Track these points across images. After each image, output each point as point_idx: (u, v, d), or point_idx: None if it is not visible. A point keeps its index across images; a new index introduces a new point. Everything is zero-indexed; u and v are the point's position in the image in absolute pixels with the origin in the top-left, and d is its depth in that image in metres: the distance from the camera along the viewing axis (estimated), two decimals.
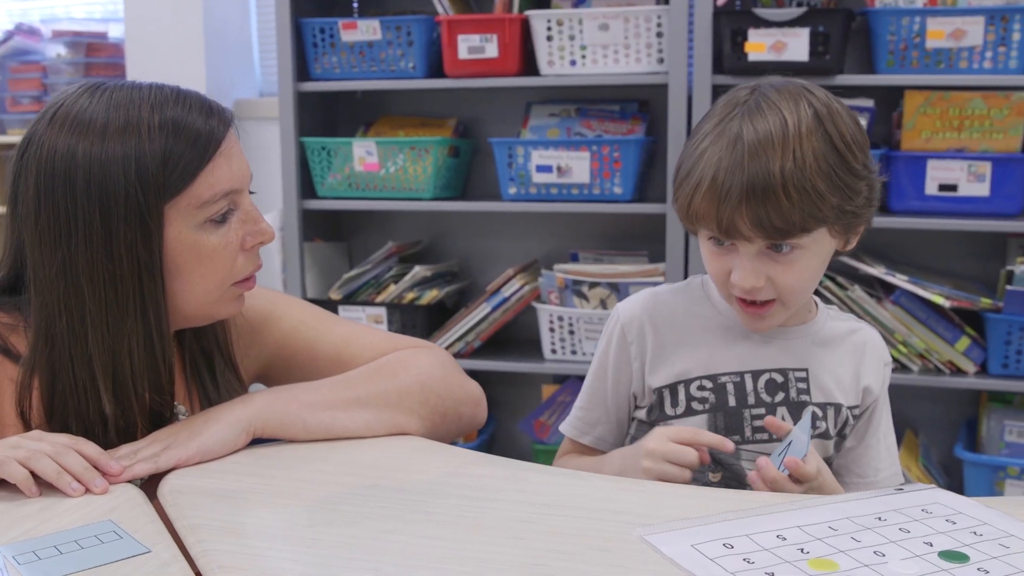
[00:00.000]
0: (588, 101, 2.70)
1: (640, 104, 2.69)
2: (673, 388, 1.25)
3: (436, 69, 2.63)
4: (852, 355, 1.27)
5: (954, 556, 0.84)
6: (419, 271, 2.70)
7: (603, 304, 2.55)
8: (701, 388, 1.24)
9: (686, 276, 2.45)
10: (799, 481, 1.09)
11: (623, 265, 2.58)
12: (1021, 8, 2.20)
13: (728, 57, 2.34)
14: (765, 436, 1.23)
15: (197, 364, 1.20)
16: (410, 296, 2.70)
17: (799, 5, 2.41)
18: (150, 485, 1.03)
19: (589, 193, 2.53)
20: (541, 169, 2.53)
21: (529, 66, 2.58)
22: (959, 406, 2.58)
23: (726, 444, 1.14)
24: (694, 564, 0.82)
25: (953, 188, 2.31)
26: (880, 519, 0.92)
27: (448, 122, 2.79)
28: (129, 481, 1.02)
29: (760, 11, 2.29)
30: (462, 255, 2.93)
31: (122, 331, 1.06)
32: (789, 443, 1.09)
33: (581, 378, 2.66)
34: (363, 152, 2.62)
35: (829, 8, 2.36)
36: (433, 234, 2.93)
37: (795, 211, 1.10)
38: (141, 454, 1.04)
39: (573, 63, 2.50)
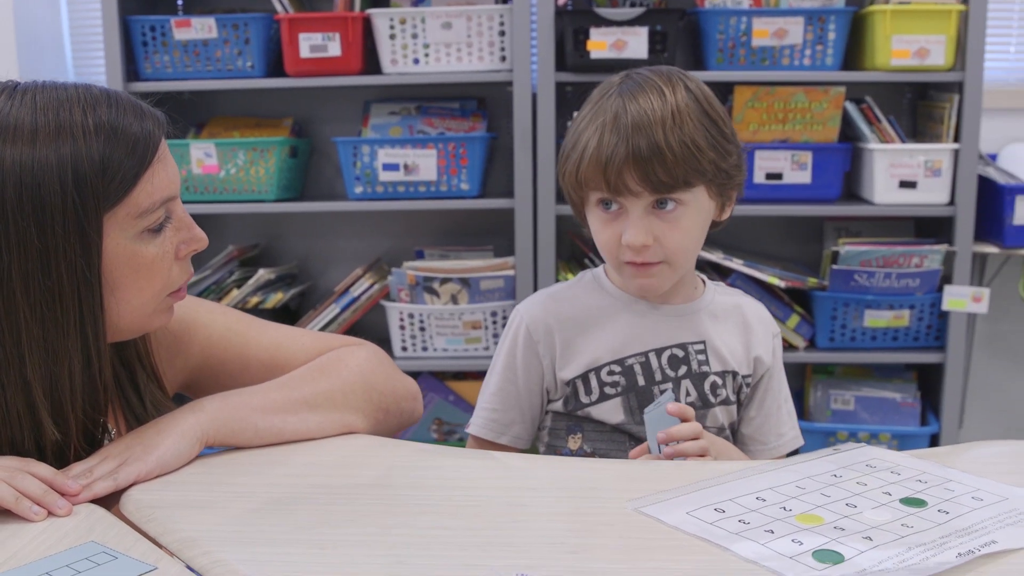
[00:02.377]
0: (427, 99, 2.72)
1: (479, 101, 2.74)
2: (585, 377, 1.31)
3: (275, 68, 2.58)
4: (742, 328, 1.36)
5: (914, 502, 0.94)
6: (263, 274, 2.64)
7: (454, 300, 2.58)
8: (611, 373, 1.30)
9: (536, 267, 2.53)
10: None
11: (472, 260, 2.62)
12: (836, 10, 2.40)
13: (571, 55, 2.42)
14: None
15: (119, 378, 1.14)
16: (255, 300, 2.63)
17: (633, 5, 2.53)
18: (98, 503, 0.98)
19: (436, 190, 2.56)
20: (388, 167, 2.53)
21: (370, 65, 2.57)
22: (787, 379, 2.77)
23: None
24: (699, 529, 0.87)
25: (779, 176, 2.49)
26: (836, 476, 1.00)
27: (284, 122, 2.74)
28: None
29: (601, 11, 2.39)
30: (300, 257, 2.89)
31: (62, 351, 0.99)
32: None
33: (433, 375, 2.72)
34: (201, 154, 2.54)
35: (664, 8, 2.49)
36: (269, 236, 2.88)
37: (678, 165, 1.19)
38: (97, 471, 0.99)
39: (416, 61, 2.52)
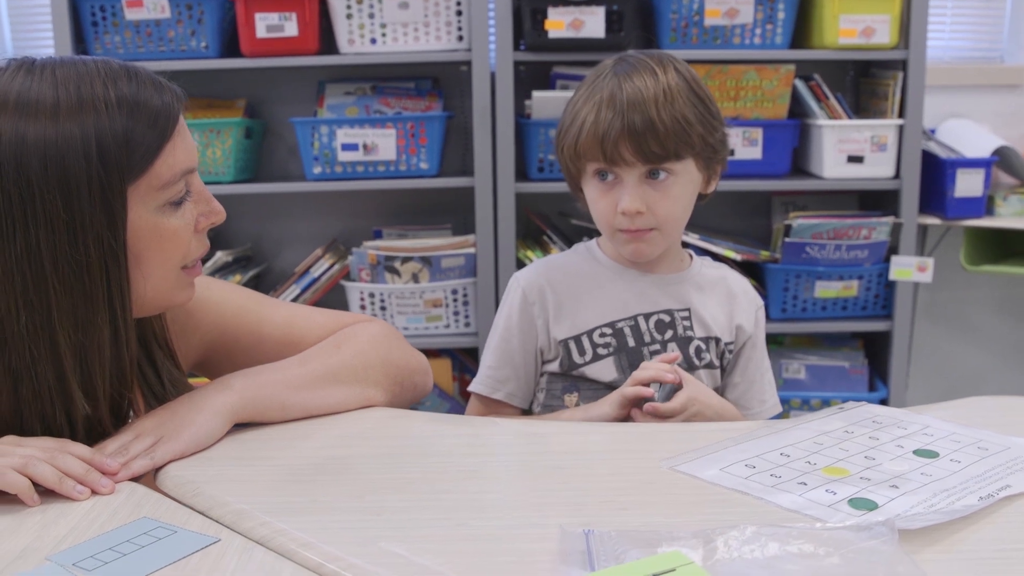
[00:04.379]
0: (382, 79, 2.72)
1: (434, 81, 2.75)
2: (578, 339, 1.38)
3: (229, 48, 2.55)
4: (726, 298, 1.44)
5: (927, 453, 1.00)
6: (221, 256, 2.62)
7: (415, 278, 2.60)
8: (602, 335, 1.38)
9: (496, 245, 2.56)
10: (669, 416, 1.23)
11: (432, 239, 2.64)
12: None
13: (529, 34, 2.45)
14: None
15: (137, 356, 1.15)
16: None
17: None
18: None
19: (396, 170, 2.56)
20: (347, 148, 2.53)
21: (326, 45, 2.56)
22: None
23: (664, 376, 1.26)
24: (735, 483, 0.92)
25: (731, 153, 2.55)
26: (848, 432, 1.06)
27: (237, 103, 2.71)
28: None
29: None
30: (253, 239, 2.87)
31: (92, 324, 0.99)
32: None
33: None
34: None
35: None
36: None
37: (669, 137, 1.27)
38: (133, 449, 0.99)
39: (373, 41, 2.52)
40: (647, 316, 1.38)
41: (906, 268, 2.50)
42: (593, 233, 1.46)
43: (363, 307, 2.62)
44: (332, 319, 1.26)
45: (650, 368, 1.25)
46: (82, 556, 0.81)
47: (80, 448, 0.97)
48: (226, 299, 1.23)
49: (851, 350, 2.72)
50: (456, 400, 2.72)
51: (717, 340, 1.41)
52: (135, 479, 0.99)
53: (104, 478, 0.94)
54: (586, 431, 1.12)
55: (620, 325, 1.37)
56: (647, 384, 1.23)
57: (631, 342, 1.37)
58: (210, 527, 0.86)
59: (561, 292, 1.40)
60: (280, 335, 1.23)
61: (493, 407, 1.43)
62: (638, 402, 1.25)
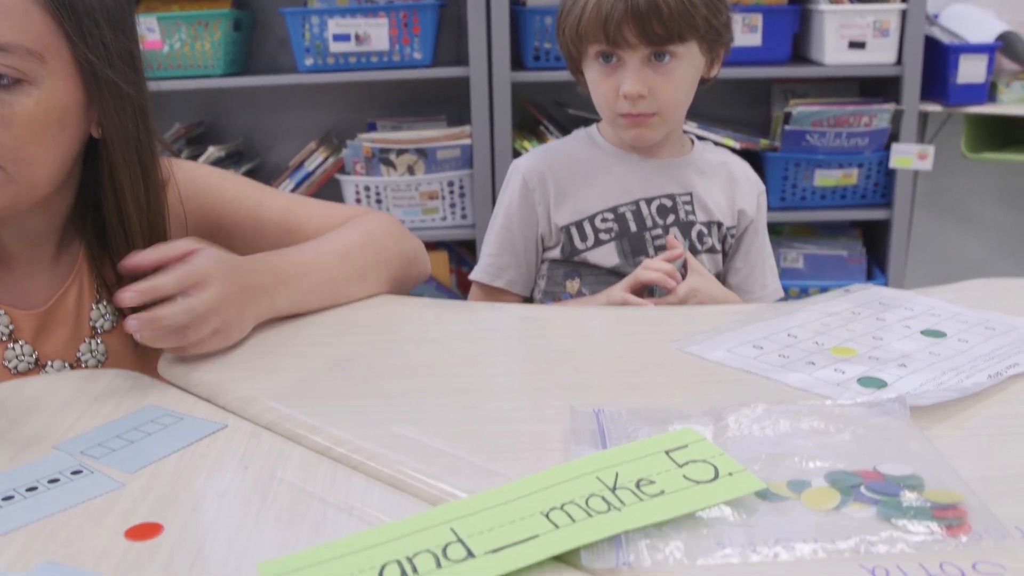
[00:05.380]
0: None
1: None
2: (579, 224, 1.37)
3: None
4: (727, 182, 1.43)
5: (934, 333, 0.99)
6: (213, 151, 2.59)
7: (410, 170, 2.57)
8: (604, 220, 1.37)
9: (492, 136, 2.52)
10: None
11: (427, 131, 2.60)
12: None
13: None
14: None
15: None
16: None
17: None
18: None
19: (389, 60, 2.51)
20: (338, 38, 2.47)
21: None
22: None
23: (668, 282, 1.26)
24: (743, 363, 0.91)
25: None
26: (855, 313, 1.05)
27: None
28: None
29: None
30: (245, 133, 2.82)
31: None
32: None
33: None
34: (143, 29, 2.42)
35: None
36: (213, 113, 2.80)
37: (673, 19, 1.26)
38: (192, 336, 0.94)
39: None
40: (649, 201, 1.37)
41: (906, 156, 2.48)
42: (591, 123, 1.44)
43: (359, 200, 2.59)
44: (331, 209, 1.24)
45: (652, 272, 1.24)
46: (89, 444, 0.81)
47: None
48: (223, 182, 1.19)
49: (849, 239, 2.71)
50: (454, 292, 2.71)
51: (719, 224, 1.40)
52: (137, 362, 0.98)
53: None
54: (590, 315, 1.12)
55: (622, 210, 1.36)
56: (649, 288, 1.23)
57: (633, 227, 1.36)
58: (216, 414, 0.86)
59: (562, 178, 1.38)
60: (280, 221, 1.20)
61: (494, 295, 1.43)
62: (639, 290, 1.26)
